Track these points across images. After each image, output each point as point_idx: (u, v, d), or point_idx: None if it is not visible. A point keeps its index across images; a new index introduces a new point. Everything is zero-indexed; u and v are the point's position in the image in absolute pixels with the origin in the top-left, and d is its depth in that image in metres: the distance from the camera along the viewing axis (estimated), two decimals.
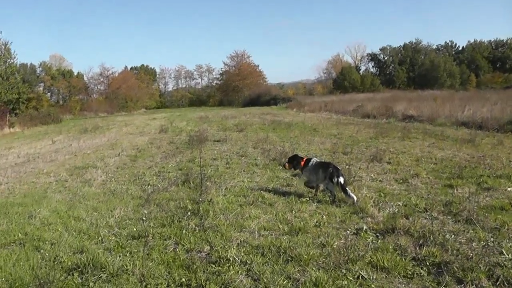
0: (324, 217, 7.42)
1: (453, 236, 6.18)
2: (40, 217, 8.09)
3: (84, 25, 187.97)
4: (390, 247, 5.88)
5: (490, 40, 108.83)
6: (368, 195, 8.74)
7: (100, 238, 6.72)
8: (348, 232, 6.66)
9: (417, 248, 5.83)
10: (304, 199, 8.60)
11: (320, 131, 22.05)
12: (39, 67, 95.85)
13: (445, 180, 9.95)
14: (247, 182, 10.53)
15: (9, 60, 42.29)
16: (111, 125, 35.92)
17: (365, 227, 6.75)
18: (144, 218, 7.32)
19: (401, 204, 8.05)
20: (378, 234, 6.51)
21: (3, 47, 41.20)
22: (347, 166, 11.60)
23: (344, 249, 5.70)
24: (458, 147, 14.61)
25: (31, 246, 6.50)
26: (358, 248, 5.87)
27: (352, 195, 8.23)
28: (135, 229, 6.93)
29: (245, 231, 6.81)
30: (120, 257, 5.89)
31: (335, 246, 5.99)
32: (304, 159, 9.37)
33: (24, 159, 17.78)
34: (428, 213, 7.44)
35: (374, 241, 6.21)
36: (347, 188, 8.37)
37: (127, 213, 8.10)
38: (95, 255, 5.83)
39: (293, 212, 7.79)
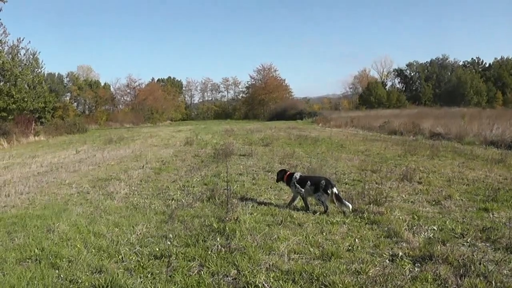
0: (356, 240, 6.99)
1: (495, 266, 5.70)
2: (59, 231, 7.76)
3: (112, 37, 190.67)
4: (429, 277, 5.44)
5: None
6: (401, 217, 8.31)
7: (120, 257, 6.35)
8: (383, 258, 6.21)
9: (458, 279, 5.36)
10: (334, 220, 8.21)
11: (347, 147, 21.56)
12: (66, 77, 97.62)
13: (480, 203, 9.44)
14: (275, 200, 10.15)
15: (36, 70, 42.59)
16: (136, 136, 35.76)
17: (401, 253, 6.31)
18: (168, 236, 6.97)
19: (436, 229, 7.56)
20: (415, 261, 6.05)
21: (31, 56, 41.52)
22: (376, 185, 11.23)
23: (381, 278, 5.26)
24: (490, 168, 14.02)
25: (48, 263, 6.15)
26: (395, 277, 5.42)
27: (347, 203, 8.68)
28: (157, 248, 6.57)
29: (274, 253, 6.38)
30: (141, 278, 5.54)
31: (370, 274, 5.55)
32: (288, 174, 9.76)
33: (47, 168, 17.58)
34: (465, 239, 6.99)
35: (411, 270, 5.75)
36: (341, 197, 8.83)
37: (149, 230, 7.73)
38: (114, 276, 5.48)
39: (324, 234, 7.37)
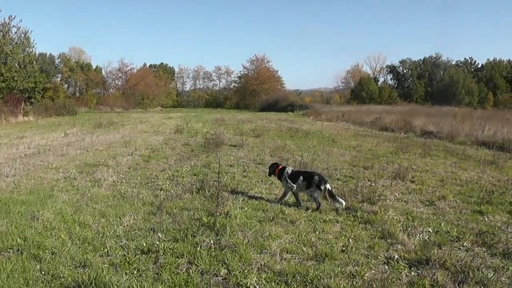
0: (350, 240, 6.79)
1: (494, 273, 5.51)
2: (43, 219, 7.44)
3: (105, 20, 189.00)
4: (427, 283, 5.24)
5: (509, 59, 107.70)
6: (395, 217, 8.13)
7: (106, 250, 6.08)
8: (379, 260, 6.01)
9: (457, 286, 5.18)
10: (327, 218, 8.03)
11: (339, 142, 21.48)
12: (58, 58, 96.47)
13: (474, 205, 9.33)
14: (266, 194, 9.97)
15: (28, 49, 42.07)
16: (126, 122, 35.41)
17: (396, 256, 6.13)
18: (156, 230, 6.78)
19: (431, 231, 7.40)
20: (411, 265, 5.87)
21: (23, 35, 40.95)
22: (369, 183, 11.08)
23: (378, 283, 5.08)
24: (482, 169, 13.97)
25: (30, 254, 5.86)
26: (391, 282, 5.23)
27: (341, 200, 8.63)
28: (144, 243, 6.31)
29: (265, 252, 6.15)
30: (126, 275, 5.27)
31: (366, 278, 5.35)
32: (279, 168, 9.60)
33: (35, 150, 17.25)
34: (461, 242, 6.85)
35: (407, 274, 5.56)
36: (334, 194, 8.80)
37: (136, 222, 7.46)
38: (99, 272, 5.20)
39: (317, 232, 7.15)
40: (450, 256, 5.93)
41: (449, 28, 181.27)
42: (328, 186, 8.72)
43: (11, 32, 40.01)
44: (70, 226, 7.14)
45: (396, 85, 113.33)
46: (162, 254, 5.96)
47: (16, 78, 38.80)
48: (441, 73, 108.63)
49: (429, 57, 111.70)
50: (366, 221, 7.87)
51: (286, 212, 8.25)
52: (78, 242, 6.41)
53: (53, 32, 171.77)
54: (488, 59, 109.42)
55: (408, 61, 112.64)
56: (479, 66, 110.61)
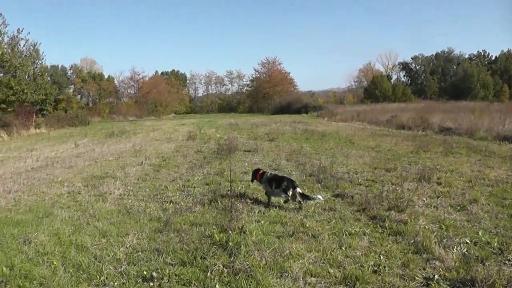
0: (381, 257, 5.97)
1: None
2: (37, 242, 6.72)
3: (116, 30, 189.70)
4: None
5: None
6: (427, 227, 7.28)
7: (102, 279, 5.33)
8: (417, 282, 5.19)
9: None
10: (353, 230, 7.16)
11: (356, 143, 20.58)
12: (70, 70, 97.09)
13: (510, 208, 8.43)
14: (283, 203, 9.10)
15: (37, 61, 41.88)
16: (139, 130, 34.88)
17: (436, 276, 5.29)
18: (161, 251, 6.02)
19: (469, 242, 6.53)
20: (454, 286, 5.05)
21: (32, 47, 40.79)
22: (393, 186, 10.15)
23: None
24: (510, 166, 13.07)
25: (14, 287, 5.13)
26: None
27: (317, 196, 8.89)
28: (147, 268, 5.55)
29: (286, 276, 5.34)
30: None
31: None
32: (260, 172, 9.79)
33: (43, 163, 16.74)
34: (505, 256, 6.00)
35: None
36: (308, 194, 9.00)
37: (140, 242, 6.71)
38: None
39: (343, 249, 6.32)
40: (499, 274, 5.09)
41: (461, 22, 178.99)
42: (298, 190, 8.79)
43: (19, 45, 39.78)
44: (65, 250, 6.41)
45: (409, 82, 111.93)
46: (166, 281, 5.21)
47: (26, 91, 38.61)
48: (454, 67, 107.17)
49: (441, 52, 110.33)
50: (396, 232, 7.04)
51: (307, 225, 7.42)
52: (71, 270, 5.66)
53: (64, 44, 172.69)
54: (502, 51, 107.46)
55: (420, 57, 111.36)
56: (493, 58, 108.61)
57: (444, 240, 6.60)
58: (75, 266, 5.79)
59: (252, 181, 10.14)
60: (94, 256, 6.17)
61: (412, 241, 6.59)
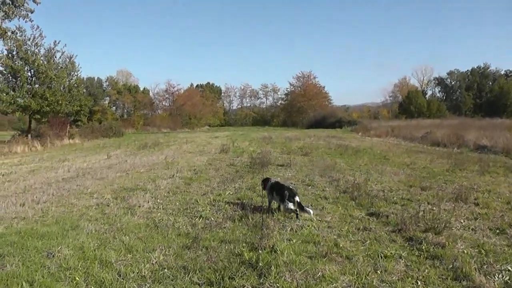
0: (419, 283, 5.54)
1: None
2: (60, 256, 6.49)
3: (153, 43, 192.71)
4: None
5: None
6: (465, 251, 6.79)
7: None
8: None
9: None
10: (388, 252, 6.71)
11: (391, 159, 20.01)
12: (105, 82, 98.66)
13: None
14: (316, 222, 8.70)
15: (72, 73, 42.42)
16: (172, 142, 34.90)
17: None
18: (188, 269, 5.71)
19: (511, 269, 6.03)
20: None
21: (68, 60, 41.31)
22: (429, 206, 9.64)
23: None
24: None
25: None
26: None
27: (309, 209, 8.98)
28: (172, 287, 5.23)
29: None
30: None
31: None
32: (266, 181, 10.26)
33: (74, 174, 16.68)
34: None
35: None
36: (303, 205, 9.03)
37: (167, 258, 6.40)
38: None
39: (379, 272, 5.90)
40: None
41: (496, 37, 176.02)
42: (297, 198, 9.00)
43: (55, 57, 40.37)
44: (89, 265, 6.14)
45: (444, 97, 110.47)
46: None
47: (60, 102, 39.06)
48: (490, 84, 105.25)
49: (477, 67, 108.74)
50: (434, 256, 6.58)
51: (341, 245, 7.01)
52: (93, 287, 5.39)
53: (101, 56, 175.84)
54: None
55: (456, 72, 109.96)
56: None
57: (485, 267, 6.14)
58: (97, 283, 5.52)
59: (263, 189, 10.26)
60: (118, 272, 5.90)
61: (451, 266, 6.14)
